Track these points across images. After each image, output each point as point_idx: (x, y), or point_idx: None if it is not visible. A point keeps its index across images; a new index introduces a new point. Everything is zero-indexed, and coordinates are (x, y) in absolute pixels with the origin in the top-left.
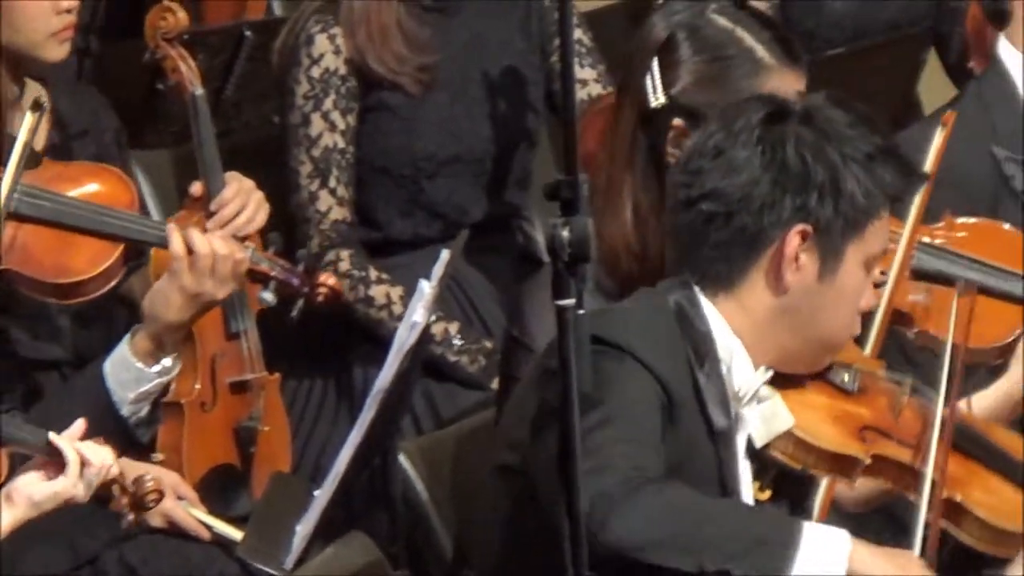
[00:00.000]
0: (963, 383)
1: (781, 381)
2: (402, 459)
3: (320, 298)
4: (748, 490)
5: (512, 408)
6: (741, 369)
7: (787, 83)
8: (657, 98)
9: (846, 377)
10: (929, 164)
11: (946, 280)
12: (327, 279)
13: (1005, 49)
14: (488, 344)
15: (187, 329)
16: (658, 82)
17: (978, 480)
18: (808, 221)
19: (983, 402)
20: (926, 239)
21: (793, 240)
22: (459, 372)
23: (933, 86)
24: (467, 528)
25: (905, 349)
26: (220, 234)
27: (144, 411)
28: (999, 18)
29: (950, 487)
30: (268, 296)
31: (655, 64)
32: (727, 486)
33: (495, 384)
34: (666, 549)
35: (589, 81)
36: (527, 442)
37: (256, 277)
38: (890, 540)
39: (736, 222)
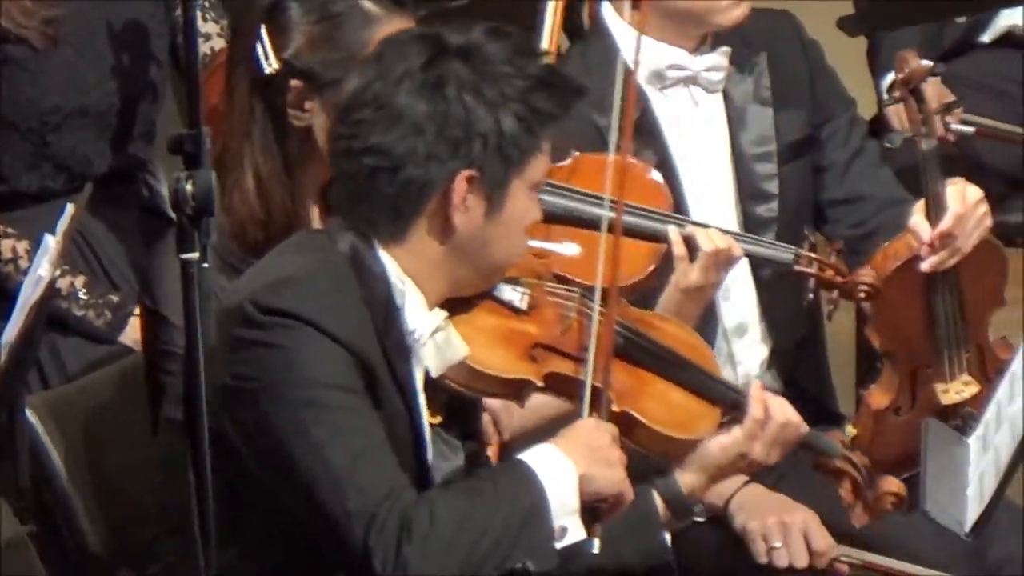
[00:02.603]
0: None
1: (451, 305)
2: (28, 413)
3: None
4: (424, 422)
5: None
6: (414, 309)
7: (396, 30)
8: (270, 64)
9: (515, 296)
10: (545, 40)
11: (576, 221)
12: None
13: (608, 12)
14: (114, 298)
15: None
16: (268, 48)
17: (648, 389)
18: (473, 167)
19: None
20: (554, 181)
21: (460, 187)
22: (85, 326)
23: None
24: (101, 481)
25: None
26: None
27: None
28: None
29: (621, 400)
30: None
31: (263, 30)
32: (418, 433)
33: (123, 338)
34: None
35: (212, 35)
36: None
37: None
38: None
39: (402, 176)
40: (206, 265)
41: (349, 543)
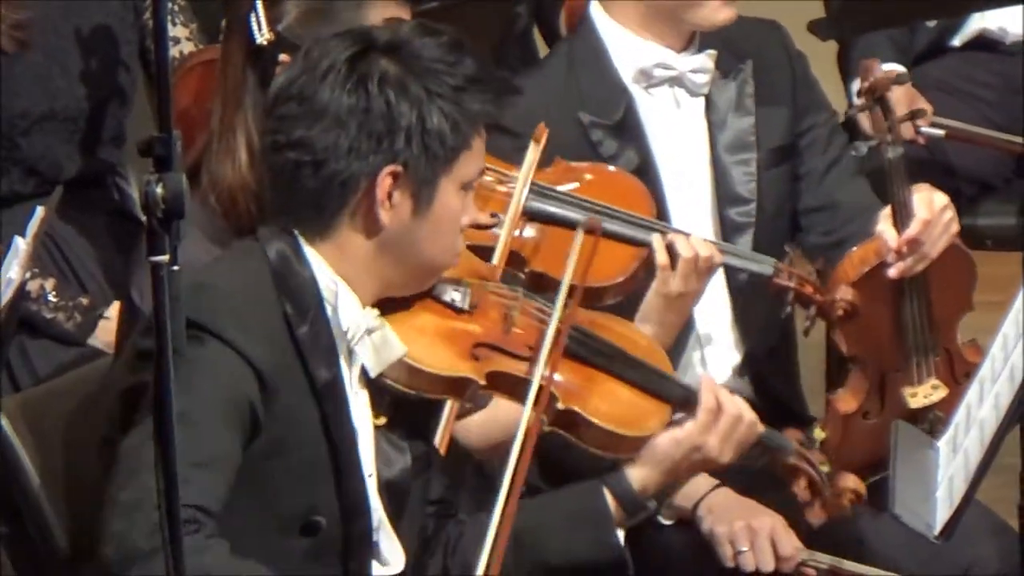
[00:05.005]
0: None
1: (390, 306)
2: None
3: None
4: (367, 423)
5: (111, 381)
6: (347, 308)
7: (390, 12)
8: (263, 35)
9: (456, 296)
10: (522, 174)
11: (559, 222)
12: None
13: (596, 10)
14: (84, 300)
15: None
16: (263, 19)
17: (596, 387)
18: (397, 162)
19: None
20: (540, 182)
21: (384, 183)
22: (55, 329)
23: None
24: (66, 488)
25: None
26: None
27: None
28: None
29: (567, 398)
30: None
31: (259, 1)
32: (334, 442)
33: (92, 340)
34: None
35: (182, 39)
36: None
37: None
38: None
39: (325, 171)
40: (176, 268)
41: (107, 519)
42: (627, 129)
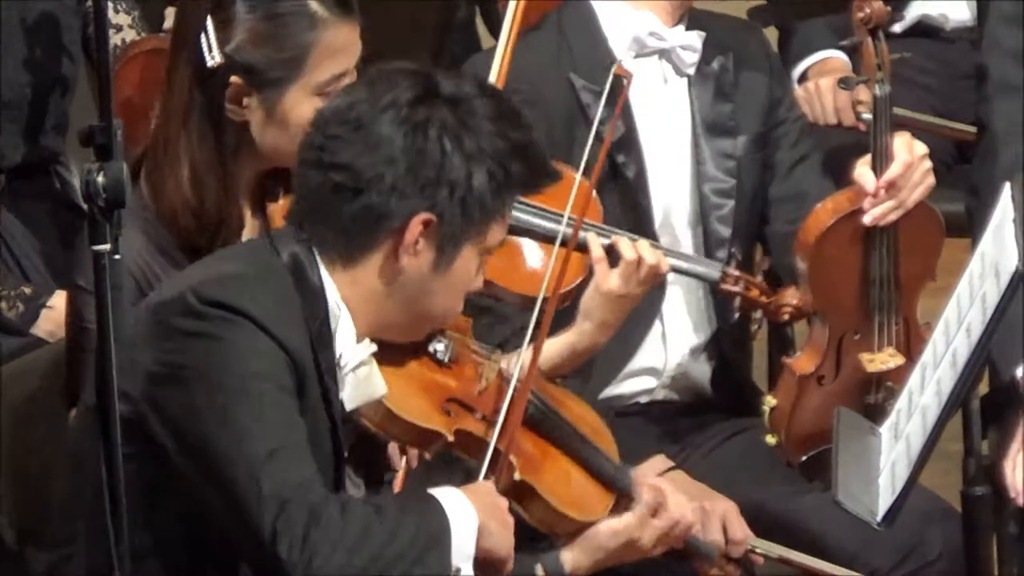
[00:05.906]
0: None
1: (376, 344)
2: None
3: None
4: (344, 444)
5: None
6: (344, 335)
7: (342, 35)
8: (213, 57)
9: (440, 347)
10: (503, 36)
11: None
12: None
13: None
14: (26, 290)
15: None
16: (213, 41)
17: (552, 464)
18: (433, 211)
19: (548, 351)
20: None
21: (415, 228)
22: None
23: None
24: (12, 478)
25: None
26: None
27: None
28: None
29: (524, 470)
30: None
31: (209, 22)
32: (339, 452)
33: (35, 329)
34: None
35: (124, 27)
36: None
37: None
38: None
39: (363, 200)
40: (117, 257)
41: (259, 528)
42: (614, 98)
